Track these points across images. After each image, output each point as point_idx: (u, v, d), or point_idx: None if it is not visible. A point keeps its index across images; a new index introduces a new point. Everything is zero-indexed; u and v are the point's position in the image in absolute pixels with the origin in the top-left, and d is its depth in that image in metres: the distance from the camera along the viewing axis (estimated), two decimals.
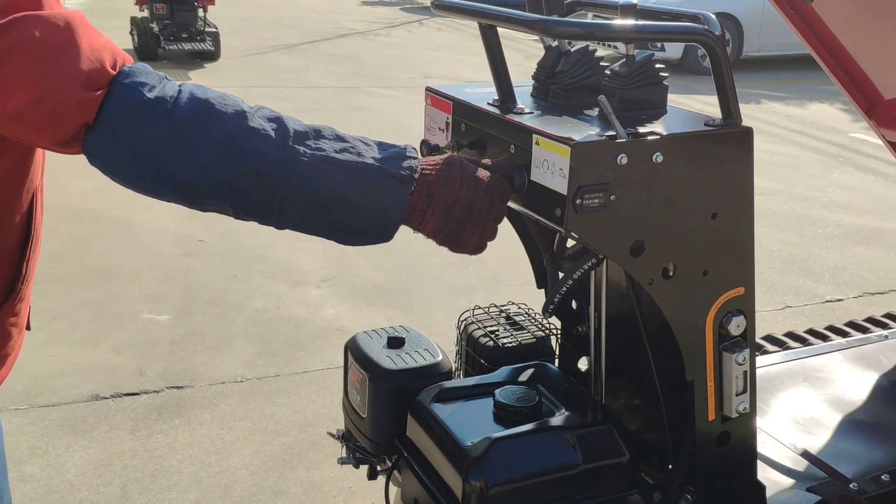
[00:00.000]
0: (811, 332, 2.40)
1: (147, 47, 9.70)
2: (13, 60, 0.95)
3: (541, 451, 1.36)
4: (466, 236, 1.18)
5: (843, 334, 2.36)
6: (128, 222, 5.00)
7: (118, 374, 3.36)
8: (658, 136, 1.15)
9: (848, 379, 2.06)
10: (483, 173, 1.19)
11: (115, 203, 5.17)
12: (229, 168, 1.02)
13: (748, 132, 1.20)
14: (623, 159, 1.13)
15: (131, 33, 9.97)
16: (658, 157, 1.14)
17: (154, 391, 3.26)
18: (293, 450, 2.93)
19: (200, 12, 9.89)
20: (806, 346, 2.26)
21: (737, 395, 1.34)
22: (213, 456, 2.88)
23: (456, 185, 1.16)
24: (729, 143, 1.19)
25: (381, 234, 1.13)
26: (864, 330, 2.40)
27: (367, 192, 1.08)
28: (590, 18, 1.24)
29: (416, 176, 1.13)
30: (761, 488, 1.48)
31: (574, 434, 1.38)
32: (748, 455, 1.44)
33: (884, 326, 2.43)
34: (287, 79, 9.42)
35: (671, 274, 1.23)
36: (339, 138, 1.09)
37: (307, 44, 11.84)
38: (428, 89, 1.49)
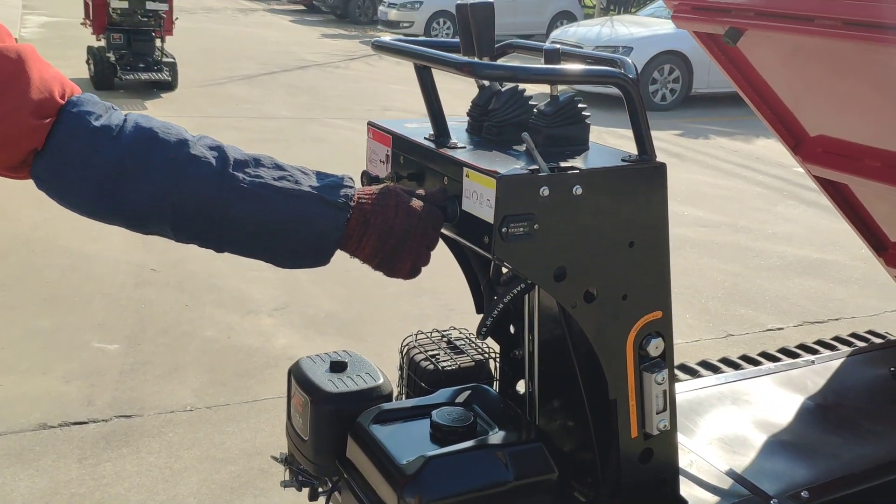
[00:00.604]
0: (744, 357, 2.50)
1: (103, 77, 9.64)
2: None
3: (474, 469, 1.42)
4: (401, 262, 1.25)
5: (774, 360, 2.47)
6: (79, 251, 4.98)
7: (66, 403, 3.35)
8: (577, 171, 1.23)
9: (775, 401, 2.16)
10: (417, 203, 1.26)
11: (66, 232, 5.15)
12: (171, 193, 1.08)
13: (662, 167, 1.29)
14: (545, 191, 1.21)
15: (88, 62, 9.92)
16: (578, 190, 1.23)
17: (103, 420, 3.25)
18: (241, 478, 2.95)
19: (158, 42, 9.88)
20: (738, 370, 2.36)
21: (657, 413, 1.41)
22: (161, 484, 2.88)
23: (391, 213, 1.23)
24: (644, 178, 1.29)
25: (318, 257, 1.19)
26: (793, 356, 2.51)
27: (304, 217, 1.15)
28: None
29: (353, 204, 1.20)
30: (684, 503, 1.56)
31: (506, 452, 1.44)
32: (671, 471, 1.52)
33: (813, 352, 2.55)
34: (244, 109, 9.46)
35: (593, 298, 1.31)
36: (278, 167, 1.16)
37: (265, 75, 11.90)
38: (369, 123, 1.57)
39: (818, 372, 2.36)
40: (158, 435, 3.17)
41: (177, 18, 10.45)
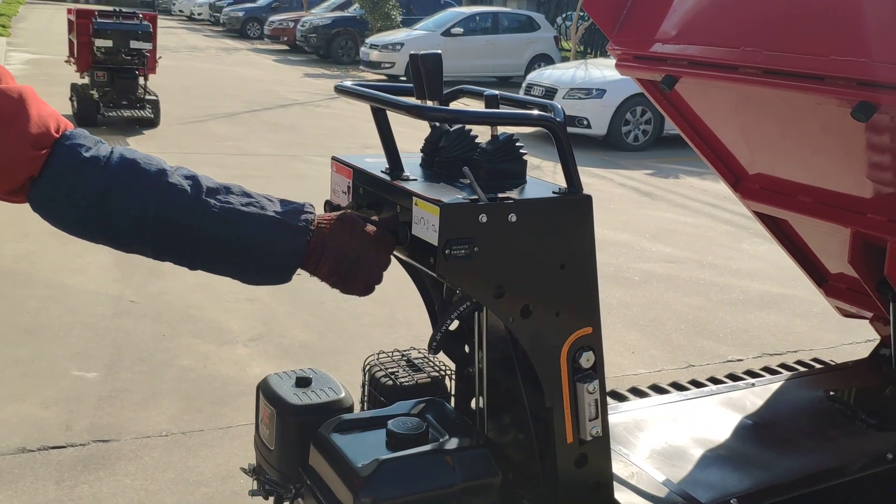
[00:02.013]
0: (691, 381, 2.66)
1: (86, 113, 9.76)
2: None
3: (424, 471, 1.56)
4: (355, 280, 1.41)
5: (718, 383, 2.63)
6: (59, 283, 5.08)
7: (45, 428, 3.44)
8: (512, 201, 1.40)
9: (714, 420, 2.31)
10: (371, 228, 1.42)
11: (47, 264, 5.25)
12: (150, 216, 1.23)
13: (587, 199, 1.46)
14: (483, 218, 1.37)
15: (71, 99, 10.07)
16: (513, 217, 1.39)
17: (80, 444, 3.35)
18: (215, 499, 3.05)
19: (141, 80, 10.06)
20: (682, 392, 2.52)
21: (590, 420, 1.57)
22: None
23: (347, 237, 1.39)
24: (571, 208, 1.45)
25: (280, 276, 1.35)
26: (736, 380, 2.67)
27: (268, 239, 1.30)
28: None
29: (313, 228, 1.36)
30: None
31: (454, 457, 1.59)
32: (605, 475, 1.66)
33: (755, 376, 2.72)
34: (226, 146, 9.62)
35: (529, 314, 1.47)
36: (246, 194, 1.32)
37: (247, 113, 12.10)
38: (333, 158, 1.73)
39: (757, 394, 2.52)
40: (134, 458, 3.27)
41: (160, 57, 10.65)
